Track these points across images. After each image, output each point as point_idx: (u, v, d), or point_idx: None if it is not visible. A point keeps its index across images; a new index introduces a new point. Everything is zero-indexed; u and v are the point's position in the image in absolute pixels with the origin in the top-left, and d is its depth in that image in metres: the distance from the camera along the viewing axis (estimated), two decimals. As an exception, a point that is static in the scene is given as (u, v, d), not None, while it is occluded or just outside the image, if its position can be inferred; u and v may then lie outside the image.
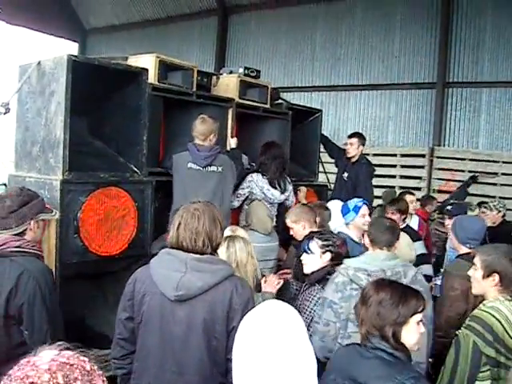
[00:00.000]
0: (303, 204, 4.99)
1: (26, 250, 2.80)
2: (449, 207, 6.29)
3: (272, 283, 3.49)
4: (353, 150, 6.39)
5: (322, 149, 6.79)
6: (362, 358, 2.17)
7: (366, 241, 3.63)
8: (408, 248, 5.11)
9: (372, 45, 11.15)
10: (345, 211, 4.66)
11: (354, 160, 6.38)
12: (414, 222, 6.37)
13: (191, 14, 13.83)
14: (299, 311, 3.29)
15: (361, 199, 4.77)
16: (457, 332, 2.74)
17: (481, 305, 2.81)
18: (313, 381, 1.57)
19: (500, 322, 2.63)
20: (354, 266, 3.23)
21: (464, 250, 4.12)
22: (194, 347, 2.38)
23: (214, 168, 4.60)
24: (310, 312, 3.29)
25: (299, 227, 4.31)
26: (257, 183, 5.09)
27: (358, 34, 11.34)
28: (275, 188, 5.18)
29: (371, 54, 11.17)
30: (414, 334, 2.24)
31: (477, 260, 2.94)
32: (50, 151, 3.69)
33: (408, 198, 6.64)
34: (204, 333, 2.38)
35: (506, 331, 2.62)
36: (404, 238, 5.29)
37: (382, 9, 11.01)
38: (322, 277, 3.42)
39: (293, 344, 1.55)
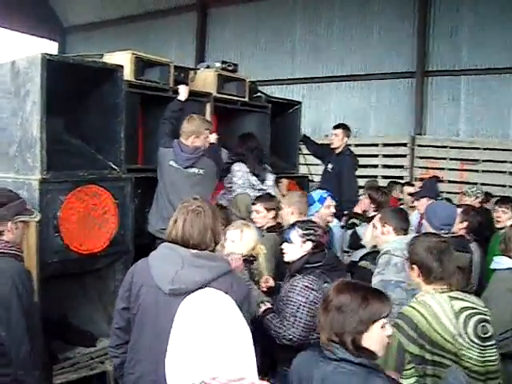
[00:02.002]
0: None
1: (2, 250, 2.80)
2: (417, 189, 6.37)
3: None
4: (337, 141, 6.43)
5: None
6: (332, 374, 2.06)
7: (386, 229, 3.72)
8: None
9: (351, 36, 11.20)
10: (310, 202, 4.69)
11: (338, 151, 6.43)
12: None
13: (170, 10, 13.79)
14: (284, 303, 3.35)
15: (325, 190, 4.84)
16: None
17: (413, 298, 2.76)
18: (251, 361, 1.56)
19: (425, 318, 2.56)
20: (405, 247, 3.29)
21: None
22: None
23: (194, 170, 4.58)
24: (296, 302, 3.29)
25: (288, 211, 4.43)
26: (243, 172, 5.21)
27: (336, 25, 11.38)
28: (256, 176, 5.31)
29: (350, 45, 11.21)
30: (377, 341, 2.11)
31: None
32: (27, 151, 3.67)
33: (406, 189, 6.68)
34: None
35: (432, 326, 2.54)
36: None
37: (359, -1, 11.06)
38: (301, 266, 3.44)
39: (227, 327, 1.55)
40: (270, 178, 5.39)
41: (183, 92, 4.70)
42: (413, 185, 6.99)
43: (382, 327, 2.10)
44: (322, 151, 6.68)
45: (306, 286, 3.31)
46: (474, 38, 9.91)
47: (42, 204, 3.53)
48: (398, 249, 3.42)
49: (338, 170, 6.33)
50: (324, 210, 4.67)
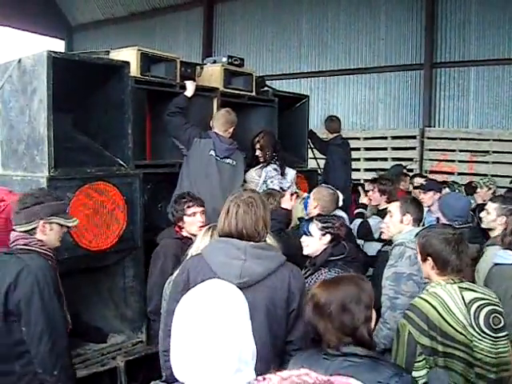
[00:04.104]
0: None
1: (32, 248, 2.84)
2: (423, 182, 6.35)
3: None
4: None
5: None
6: (338, 370, 2.00)
7: (406, 218, 3.66)
8: None
9: (358, 28, 11.11)
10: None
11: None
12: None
13: (176, 6, 13.75)
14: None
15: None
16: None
17: (424, 290, 2.73)
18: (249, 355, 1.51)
19: (436, 309, 2.53)
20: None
21: None
22: (257, 333, 2.37)
23: (229, 161, 4.73)
24: None
25: (313, 204, 4.45)
26: (276, 174, 5.26)
27: (343, 18, 11.30)
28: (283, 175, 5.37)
29: (358, 38, 11.12)
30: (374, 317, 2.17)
31: (416, 244, 2.89)
32: (35, 149, 3.69)
33: (417, 181, 6.61)
34: (266, 318, 2.42)
35: (443, 318, 2.51)
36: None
37: (366, -9, 10.98)
38: (326, 259, 3.46)
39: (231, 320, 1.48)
40: (291, 174, 5.46)
41: (190, 88, 4.70)
42: (424, 176, 6.92)
43: None
44: (324, 146, 6.79)
45: None
46: (482, 29, 9.79)
47: (51, 201, 3.54)
48: (412, 241, 3.39)
49: (326, 161, 6.67)
50: None
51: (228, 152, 4.69)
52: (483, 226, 4.21)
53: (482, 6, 9.73)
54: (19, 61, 3.79)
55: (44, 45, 15.01)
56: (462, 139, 9.48)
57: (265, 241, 2.58)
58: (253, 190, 2.76)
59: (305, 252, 3.60)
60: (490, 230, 4.15)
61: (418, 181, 6.65)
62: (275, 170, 5.26)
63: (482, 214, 4.23)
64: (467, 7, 9.89)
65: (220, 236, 2.58)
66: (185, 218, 3.90)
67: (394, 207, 3.79)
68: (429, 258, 2.72)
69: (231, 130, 4.78)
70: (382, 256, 4.11)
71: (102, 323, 4.34)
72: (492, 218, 4.10)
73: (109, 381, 3.90)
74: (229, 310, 1.49)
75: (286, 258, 2.62)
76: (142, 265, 4.19)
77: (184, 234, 3.93)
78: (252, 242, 2.49)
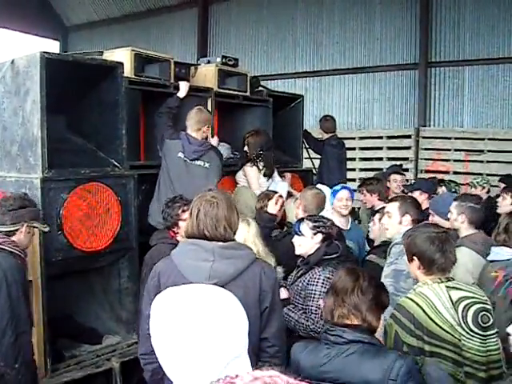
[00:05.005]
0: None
1: (5, 247, 2.94)
2: (399, 179, 6.32)
3: None
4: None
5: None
6: (342, 357, 2.10)
7: (405, 219, 3.62)
8: None
9: (353, 28, 11.12)
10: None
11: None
12: None
13: (171, 6, 13.74)
14: (304, 296, 3.34)
15: (342, 185, 4.87)
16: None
17: (411, 290, 2.71)
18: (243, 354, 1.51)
19: (422, 309, 2.52)
20: None
21: (448, 224, 4.15)
22: None
23: (200, 162, 4.58)
24: (320, 295, 3.29)
25: (297, 204, 4.46)
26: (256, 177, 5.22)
27: (338, 18, 11.30)
28: (267, 176, 5.31)
29: (353, 38, 11.14)
30: None
31: (403, 245, 2.88)
32: (28, 150, 3.68)
33: (392, 177, 6.50)
34: None
35: (430, 317, 2.50)
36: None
37: (361, -9, 10.99)
38: (320, 258, 3.47)
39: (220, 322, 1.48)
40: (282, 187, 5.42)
41: (183, 88, 4.69)
42: (402, 174, 6.78)
43: None
44: (320, 146, 6.82)
45: (328, 278, 3.33)
46: (477, 28, 9.81)
47: (45, 203, 3.54)
48: None
49: (321, 161, 6.73)
50: (336, 202, 4.71)
51: (197, 154, 4.54)
52: (452, 227, 4.01)
53: (477, 4, 9.75)
54: (12, 62, 3.78)
55: (38, 46, 14.97)
56: (456, 138, 9.49)
57: (232, 240, 2.54)
58: (219, 190, 2.72)
59: (297, 252, 3.62)
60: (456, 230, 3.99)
61: (395, 178, 6.49)
62: (255, 172, 5.23)
63: (448, 215, 4.09)
64: (462, 5, 9.90)
65: (186, 237, 2.55)
66: (180, 223, 3.81)
67: (393, 208, 3.68)
68: (414, 257, 2.70)
69: (205, 128, 4.61)
70: (368, 265, 4.08)
71: (97, 324, 4.33)
72: (454, 217, 3.99)
73: (104, 382, 3.89)
74: (210, 313, 1.49)
75: (255, 255, 2.61)
76: (137, 266, 4.18)
77: (179, 238, 3.81)
78: (220, 243, 2.46)
